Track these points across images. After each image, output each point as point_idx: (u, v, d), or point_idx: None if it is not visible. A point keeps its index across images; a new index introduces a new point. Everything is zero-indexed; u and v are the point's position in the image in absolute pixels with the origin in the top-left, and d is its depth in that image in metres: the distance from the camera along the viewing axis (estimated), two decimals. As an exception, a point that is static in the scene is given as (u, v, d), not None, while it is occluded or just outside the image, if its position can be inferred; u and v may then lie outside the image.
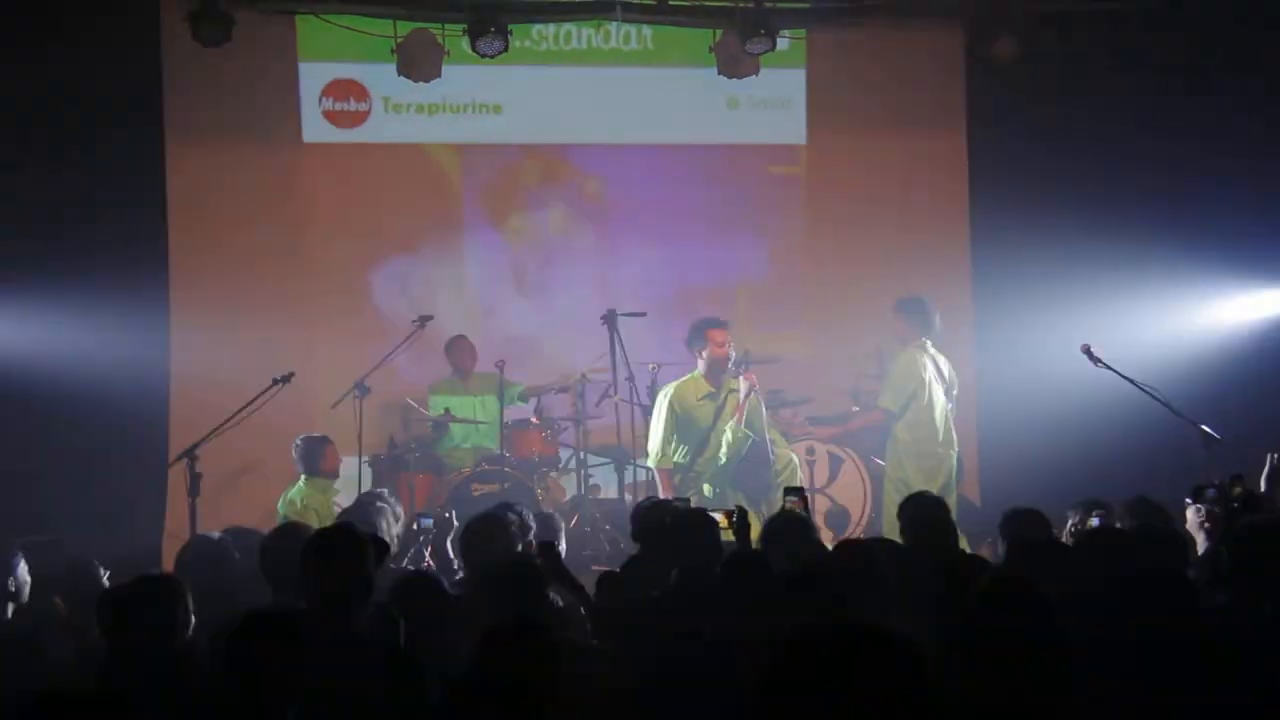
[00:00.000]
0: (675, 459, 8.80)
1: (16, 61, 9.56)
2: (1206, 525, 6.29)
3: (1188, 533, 6.25)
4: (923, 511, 6.22)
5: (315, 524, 8.16)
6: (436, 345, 10.35)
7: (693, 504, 7.01)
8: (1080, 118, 11.02)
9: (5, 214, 9.64)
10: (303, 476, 8.64)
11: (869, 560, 5.20)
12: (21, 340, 9.67)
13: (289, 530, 5.72)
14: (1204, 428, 8.28)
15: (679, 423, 8.79)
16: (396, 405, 10.27)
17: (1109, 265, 10.90)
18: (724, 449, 8.73)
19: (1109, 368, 8.73)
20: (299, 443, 8.73)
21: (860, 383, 10.35)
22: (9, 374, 9.62)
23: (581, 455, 9.85)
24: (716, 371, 8.87)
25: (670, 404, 8.80)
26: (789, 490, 6.32)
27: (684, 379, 8.98)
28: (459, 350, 10.35)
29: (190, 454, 8.39)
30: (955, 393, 9.38)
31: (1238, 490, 6.25)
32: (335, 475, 8.84)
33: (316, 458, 8.67)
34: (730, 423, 8.73)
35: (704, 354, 8.87)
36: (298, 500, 8.54)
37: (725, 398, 8.84)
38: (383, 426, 10.18)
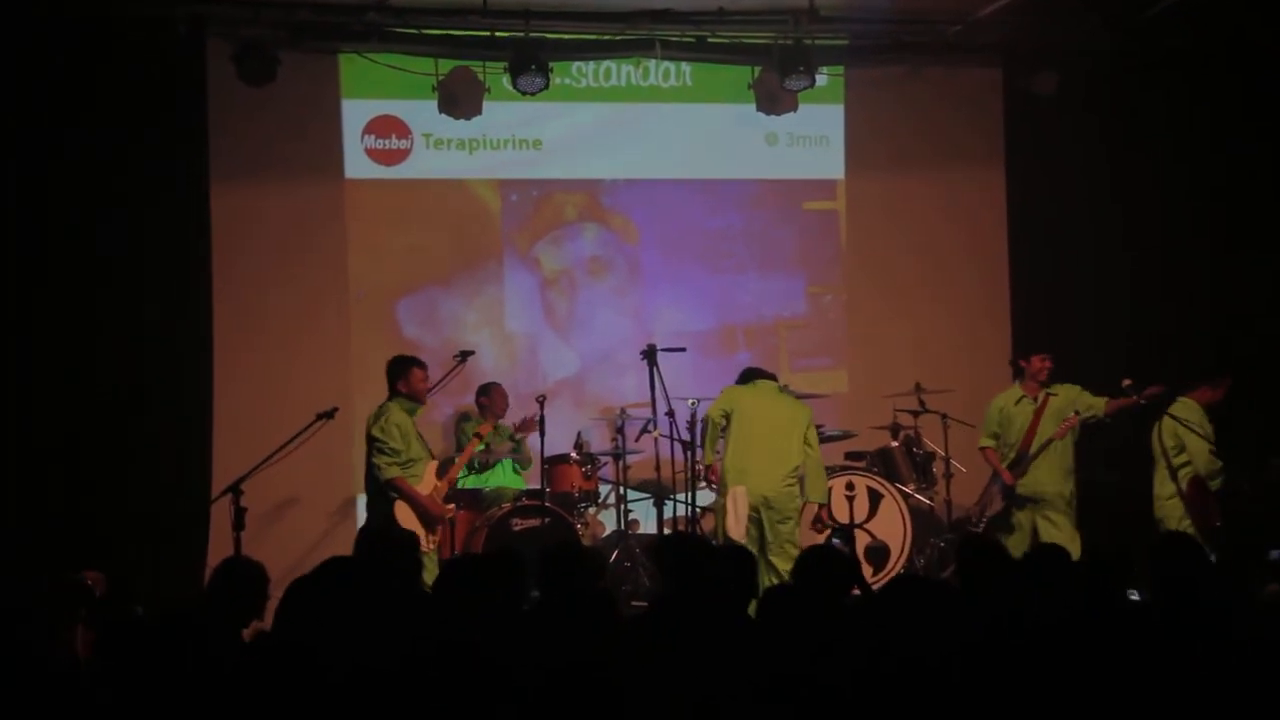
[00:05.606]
0: None
1: (63, 102, 9.66)
2: None
3: None
4: None
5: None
6: (473, 379, 10.38)
7: None
8: (1119, 152, 11.01)
9: (51, 252, 9.74)
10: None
11: None
12: (66, 374, 9.76)
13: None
14: None
15: None
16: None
17: (1150, 299, 10.88)
18: None
19: (1147, 403, 8.77)
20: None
21: (899, 419, 10.32)
22: (53, 410, 9.69)
23: (621, 490, 9.84)
24: None
25: None
26: (835, 530, 6.30)
27: None
28: (494, 396, 10.31)
29: (235, 488, 8.46)
30: None
31: None
32: (420, 400, 8.90)
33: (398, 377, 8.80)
34: None
35: None
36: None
37: None
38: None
